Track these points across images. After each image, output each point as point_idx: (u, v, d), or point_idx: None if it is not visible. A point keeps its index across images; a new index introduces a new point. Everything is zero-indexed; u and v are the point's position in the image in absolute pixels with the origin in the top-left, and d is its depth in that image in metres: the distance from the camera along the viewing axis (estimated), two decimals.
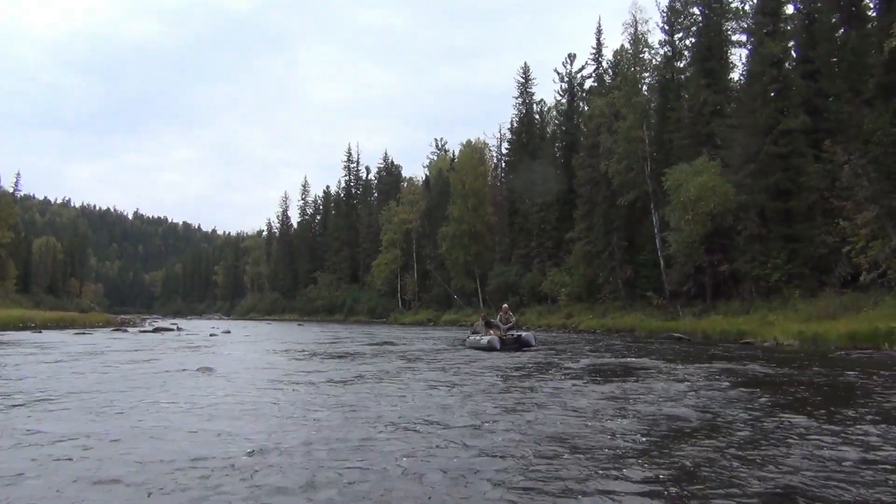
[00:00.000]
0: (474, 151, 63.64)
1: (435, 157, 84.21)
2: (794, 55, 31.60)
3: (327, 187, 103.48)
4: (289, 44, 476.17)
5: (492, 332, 20.07)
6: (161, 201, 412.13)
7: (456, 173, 61.06)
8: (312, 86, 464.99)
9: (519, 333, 20.40)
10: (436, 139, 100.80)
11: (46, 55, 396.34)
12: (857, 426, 6.66)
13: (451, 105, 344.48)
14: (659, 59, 41.48)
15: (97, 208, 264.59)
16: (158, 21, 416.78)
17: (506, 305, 23.72)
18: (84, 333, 31.24)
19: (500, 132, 70.62)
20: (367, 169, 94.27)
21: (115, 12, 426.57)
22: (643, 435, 6.30)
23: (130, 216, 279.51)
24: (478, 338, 20.20)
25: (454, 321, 53.98)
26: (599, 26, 50.36)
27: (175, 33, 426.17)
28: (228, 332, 36.40)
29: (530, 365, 14.10)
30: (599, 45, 50.54)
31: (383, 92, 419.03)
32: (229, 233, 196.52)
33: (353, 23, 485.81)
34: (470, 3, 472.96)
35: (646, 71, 41.95)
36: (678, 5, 39.59)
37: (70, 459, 5.28)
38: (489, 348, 18.61)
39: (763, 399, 8.65)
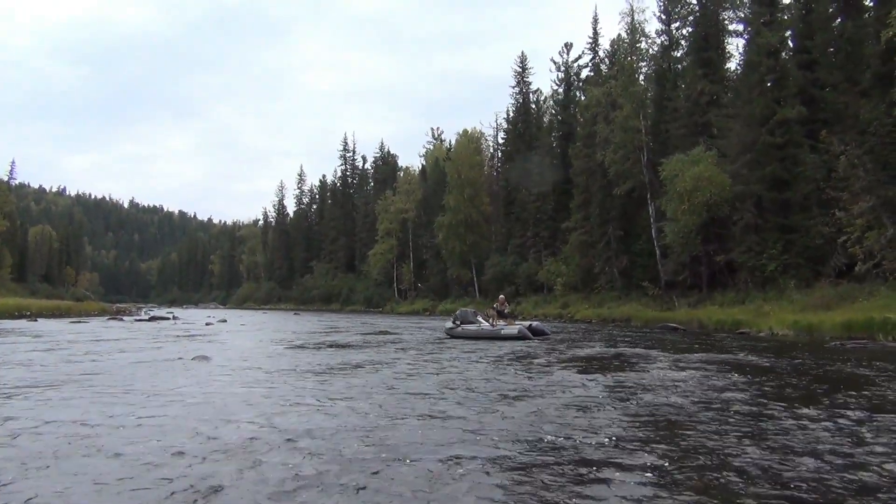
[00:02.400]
0: (470, 141, 63.57)
1: (431, 147, 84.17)
2: (791, 45, 31.61)
3: (323, 176, 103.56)
4: (283, 32, 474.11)
5: (503, 321, 20.14)
6: (156, 190, 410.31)
7: (452, 163, 60.95)
8: (307, 74, 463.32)
9: (531, 323, 20.67)
10: (432, 128, 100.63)
11: (39, 43, 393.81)
12: (852, 416, 6.68)
13: (447, 93, 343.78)
14: (656, 49, 41.48)
15: (92, 197, 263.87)
16: (152, 9, 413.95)
17: (502, 297, 23.74)
18: (80, 322, 31.19)
19: (496, 122, 70.51)
20: (364, 158, 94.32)
21: (109, 0, 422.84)
22: (639, 424, 6.32)
23: (126, 205, 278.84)
24: (477, 327, 20.03)
25: (450, 311, 53.90)
26: (596, 15, 50.30)
27: (169, 21, 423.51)
28: (224, 321, 36.40)
29: (526, 354, 14.12)
30: (596, 34, 50.48)
31: (379, 80, 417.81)
32: (225, 222, 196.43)
33: (347, 10, 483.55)
34: None
35: (642, 60, 41.94)
36: None
37: (61, 448, 5.26)
38: (521, 337, 18.48)
39: (758, 389, 8.68)
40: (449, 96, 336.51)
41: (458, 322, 20.97)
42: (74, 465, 4.73)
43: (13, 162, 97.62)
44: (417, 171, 79.84)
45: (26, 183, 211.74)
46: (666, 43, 40.77)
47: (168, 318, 37.91)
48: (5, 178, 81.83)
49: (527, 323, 20.47)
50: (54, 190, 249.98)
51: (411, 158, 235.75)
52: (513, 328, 19.16)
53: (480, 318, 21.15)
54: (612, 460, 4.91)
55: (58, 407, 7.16)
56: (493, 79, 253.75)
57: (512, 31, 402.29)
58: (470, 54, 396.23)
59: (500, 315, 20.82)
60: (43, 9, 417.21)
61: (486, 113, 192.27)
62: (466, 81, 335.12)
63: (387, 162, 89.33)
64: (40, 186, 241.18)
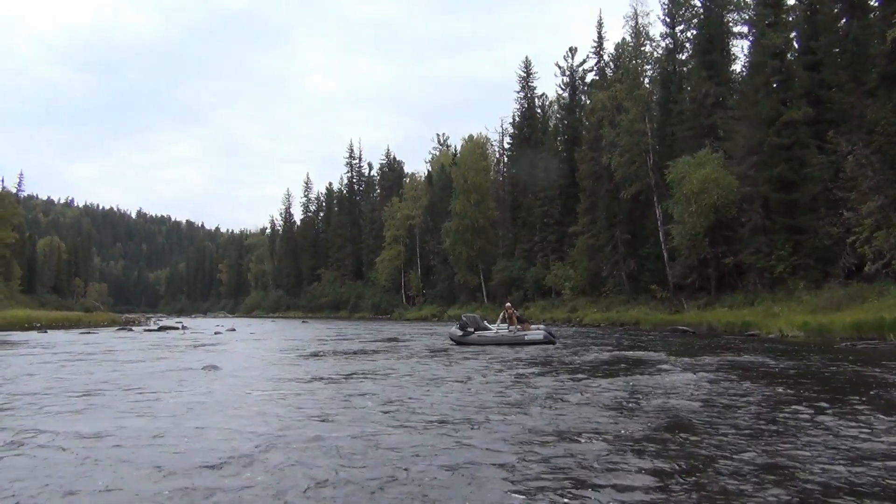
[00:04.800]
0: (476, 146, 63.57)
1: (437, 153, 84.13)
2: (796, 46, 31.53)
3: (329, 184, 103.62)
4: (286, 37, 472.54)
5: (521, 326, 20.18)
6: (164, 199, 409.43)
7: (458, 168, 60.96)
8: (312, 79, 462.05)
9: (539, 327, 20.79)
10: (437, 134, 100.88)
11: (44, 51, 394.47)
12: (864, 416, 6.66)
13: (451, 98, 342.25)
14: (660, 52, 41.47)
15: (100, 208, 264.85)
16: (156, 16, 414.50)
17: (508, 304, 23.69)
18: (89, 333, 31.31)
19: (501, 126, 70.65)
20: (370, 165, 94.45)
21: (112, 7, 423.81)
22: (650, 428, 6.31)
23: (134, 215, 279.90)
24: (494, 332, 19.94)
25: (458, 317, 53.92)
26: (600, 19, 50.31)
27: (172, 28, 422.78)
28: (233, 330, 36.51)
29: (535, 359, 14.12)
30: (601, 38, 50.42)
31: (381, 85, 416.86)
32: (232, 230, 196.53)
33: (350, 15, 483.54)
34: None
35: (647, 63, 41.92)
36: None
37: (75, 458, 5.30)
38: (545, 342, 18.69)
39: (769, 391, 8.65)
40: (453, 101, 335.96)
41: (469, 328, 20.44)
42: (87, 476, 4.77)
43: (21, 174, 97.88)
44: (423, 177, 79.91)
45: (34, 195, 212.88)
46: (670, 46, 40.79)
47: (177, 328, 38.01)
48: (13, 191, 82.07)
49: (539, 328, 20.50)
50: (62, 201, 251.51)
51: (416, 164, 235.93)
52: (537, 333, 19.17)
53: (487, 323, 21.12)
54: (625, 463, 4.91)
55: (72, 418, 7.20)
56: (498, 83, 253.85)
57: (515, 35, 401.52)
58: (473, 59, 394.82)
59: (520, 320, 20.77)
60: (46, 16, 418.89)
61: (491, 117, 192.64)
62: (470, 86, 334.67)
63: (393, 168, 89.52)
64: (48, 198, 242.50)
